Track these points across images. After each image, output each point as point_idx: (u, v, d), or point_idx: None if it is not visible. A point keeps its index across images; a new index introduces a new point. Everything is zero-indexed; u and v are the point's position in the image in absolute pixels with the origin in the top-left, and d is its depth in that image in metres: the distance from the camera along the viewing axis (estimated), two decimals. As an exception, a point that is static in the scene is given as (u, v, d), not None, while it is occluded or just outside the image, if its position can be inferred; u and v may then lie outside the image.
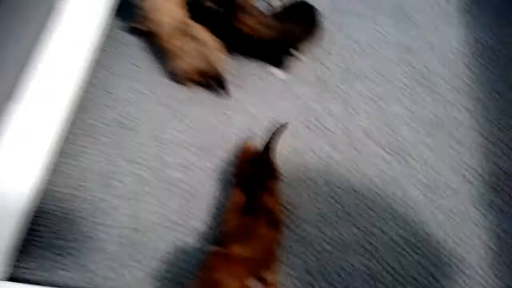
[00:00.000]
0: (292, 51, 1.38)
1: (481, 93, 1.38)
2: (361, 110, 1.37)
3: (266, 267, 1.06)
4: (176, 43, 1.32)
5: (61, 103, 1.31)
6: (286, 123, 1.27)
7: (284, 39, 1.33)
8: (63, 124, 1.30)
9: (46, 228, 1.25)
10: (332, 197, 1.25)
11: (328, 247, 1.17)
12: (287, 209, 1.23)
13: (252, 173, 1.13)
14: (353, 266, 1.14)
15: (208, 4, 1.36)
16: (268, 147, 1.18)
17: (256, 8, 1.33)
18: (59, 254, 1.21)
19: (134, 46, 1.57)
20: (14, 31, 1.27)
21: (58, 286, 1.16)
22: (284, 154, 1.32)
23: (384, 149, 1.30)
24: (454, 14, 1.55)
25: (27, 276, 1.18)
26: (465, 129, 1.32)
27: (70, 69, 1.37)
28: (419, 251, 1.16)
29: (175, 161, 1.34)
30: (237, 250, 0.99)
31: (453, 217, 1.20)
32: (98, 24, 1.45)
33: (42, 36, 1.40)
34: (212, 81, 1.38)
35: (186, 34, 1.31)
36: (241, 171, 1.18)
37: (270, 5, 1.51)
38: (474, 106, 1.36)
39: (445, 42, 1.49)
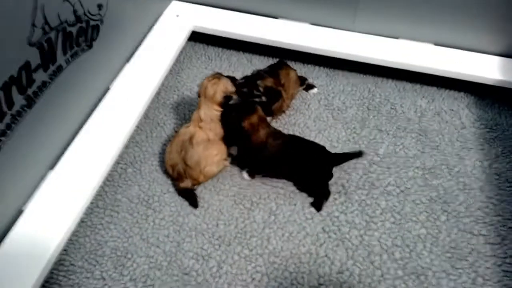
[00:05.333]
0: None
1: (498, 224, 1.40)
2: (382, 225, 1.39)
3: None
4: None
5: (94, 175, 1.34)
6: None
7: None
8: (91, 195, 1.32)
9: (50, 301, 1.21)
10: (346, 313, 1.21)
11: None
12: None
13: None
14: None
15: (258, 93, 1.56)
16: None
17: None
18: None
19: (166, 127, 1.66)
20: (66, 105, 1.36)
21: None
22: (302, 259, 1.32)
23: (402, 269, 1.30)
24: (471, 140, 1.63)
25: None
26: (484, 261, 1.32)
27: (107, 144, 1.43)
28: None
29: (191, 248, 1.34)
30: None
31: None
32: (139, 106, 1.55)
33: (90, 113, 1.50)
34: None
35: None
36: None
37: None
38: (490, 235, 1.37)
39: (463, 167, 1.55)
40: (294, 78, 1.70)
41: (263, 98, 1.56)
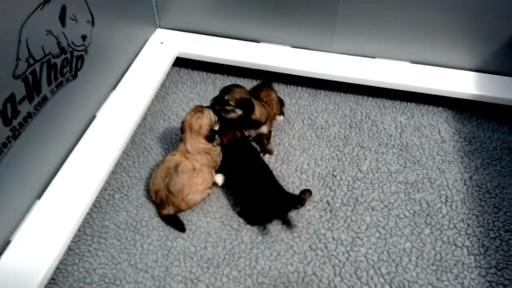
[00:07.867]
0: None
1: (480, 235, 1.44)
2: (368, 241, 1.41)
3: None
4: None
5: (81, 203, 1.35)
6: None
7: None
8: (79, 223, 1.33)
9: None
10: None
11: None
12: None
13: None
14: None
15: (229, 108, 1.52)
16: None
17: None
18: None
19: (153, 151, 1.68)
20: (52, 135, 1.38)
21: None
22: (291, 278, 1.33)
23: (389, 284, 1.31)
24: (450, 154, 1.68)
25: None
26: (469, 272, 1.34)
27: (94, 171, 1.44)
28: None
29: (179, 272, 1.34)
30: None
31: None
32: (126, 132, 1.57)
33: (76, 141, 1.52)
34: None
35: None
36: None
37: None
38: (473, 246, 1.40)
39: (444, 180, 1.59)
40: (276, 99, 1.75)
41: (238, 111, 1.53)
